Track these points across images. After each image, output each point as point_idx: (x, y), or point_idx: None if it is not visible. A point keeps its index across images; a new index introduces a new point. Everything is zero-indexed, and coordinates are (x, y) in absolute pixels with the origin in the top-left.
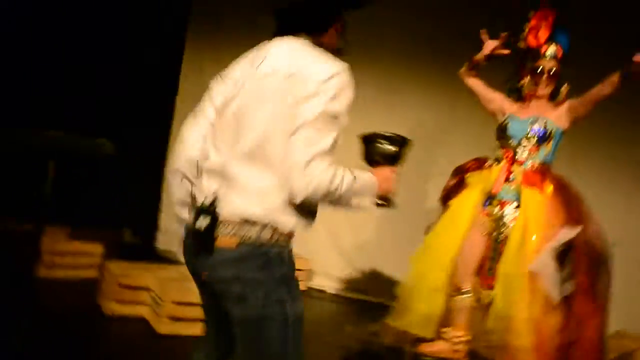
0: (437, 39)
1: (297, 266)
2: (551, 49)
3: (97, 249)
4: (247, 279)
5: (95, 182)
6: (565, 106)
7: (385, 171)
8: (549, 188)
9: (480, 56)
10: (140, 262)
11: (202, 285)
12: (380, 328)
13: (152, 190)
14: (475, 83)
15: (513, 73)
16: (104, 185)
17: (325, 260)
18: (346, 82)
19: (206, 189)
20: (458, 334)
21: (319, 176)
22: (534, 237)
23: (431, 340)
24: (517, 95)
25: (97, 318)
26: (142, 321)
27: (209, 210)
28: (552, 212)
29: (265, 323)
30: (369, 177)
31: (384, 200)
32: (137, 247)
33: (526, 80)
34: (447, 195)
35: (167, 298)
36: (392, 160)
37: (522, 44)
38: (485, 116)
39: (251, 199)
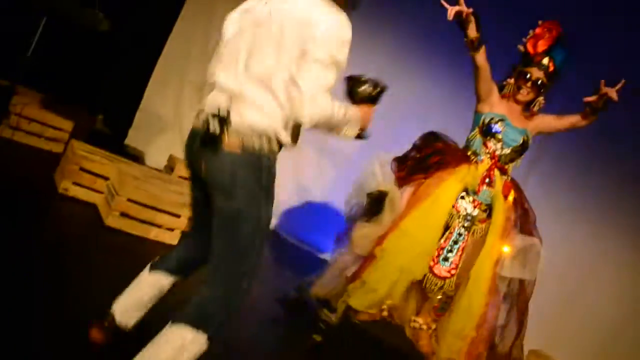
0: None
1: None
2: (544, 61)
3: (66, 125)
4: (239, 179)
5: (82, 57)
6: (536, 121)
7: (365, 109)
8: (512, 197)
9: (472, 34)
10: (106, 152)
11: (197, 180)
12: (315, 282)
13: (136, 85)
14: (483, 65)
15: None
16: (90, 63)
17: (287, 207)
18: (348, 34)
19: (217, 102)
20: (387, 302)
21: (324, 106)
22: (505, 249)
23: None
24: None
25: (49, 193)
26: (93, 209)
27: (223, 118)
28: (511, 219)
29: (242, 219)
30: (355, 112)
31: (362, 133)
32: (106, 137)
33: (511, 81)
34: (412, 173)
35: (123, 193)
36: (372, 100)
37: (520, 47)
38: None
39: (258, 113)
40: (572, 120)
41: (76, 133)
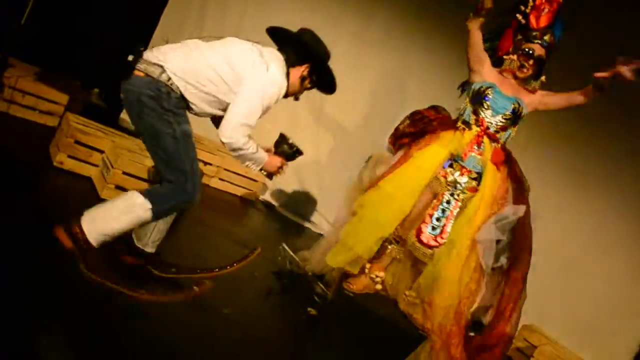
0: None
1: (253, 176)
2: (547, 37)
3: (61, 98)
4: (143, 101)
5: (77, 29)
6: (537, 96)
7: (276, 159)
8: (505, 167)
9: (488, 3)
10: (101, 125)
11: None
12: (310, 256)
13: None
14: (477, 36)
15: (495, 31)
16: (85, 35)
17: (283, 181)
18: (278, 94)
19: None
20: (380, 274)
21: (242, 137)
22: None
23: (353, 275)
24: (491, 53)
25: (44, 167)
26: (88, 181)
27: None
28: (502, 190)
29: (159, 135)
30: (263, 157)
31: (268, 175)
32: (102, 111)
33: (512, 57)
34: (400, 137)
35: (118, 166)
36: (286, 157)
37: (521, 18)
38: None
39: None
40: (572, 97)
41: (71, 106)
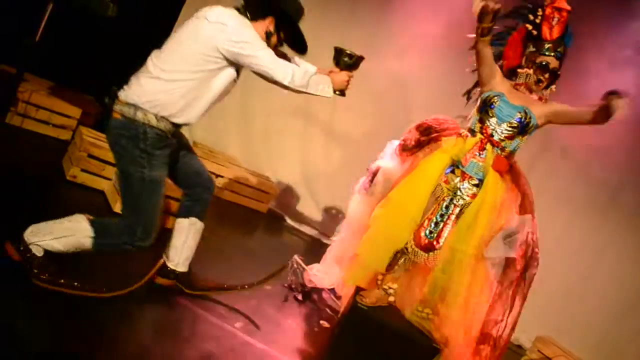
0: None
1: (265, 189)
2: (560, 49)
3: (75, 112)
4: (120, 143)
5: (90, 43)
6: (549, 108)
7: (342, 74)
8: (509, 177)
9: (487, 24)
10: None
11: None
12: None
13: None
14: (486, 54)
15: (499, 35)
16: (97, 49)
17: (294, 193)
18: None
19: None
20: (393, 286)
21: (289, 69)
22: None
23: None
24: (496, 59)
25: (57, 180)
26: (101, 195)
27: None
28: (507, 200)
29: (129, 175)
30: (326, 78)
31: (341, 92)
32: None
33: (528, 71)
34: (408, 147)
35: None
36: (349, 68)
37: (531, 29)
38: None
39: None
40: (587, 114)
41: (84, 120)
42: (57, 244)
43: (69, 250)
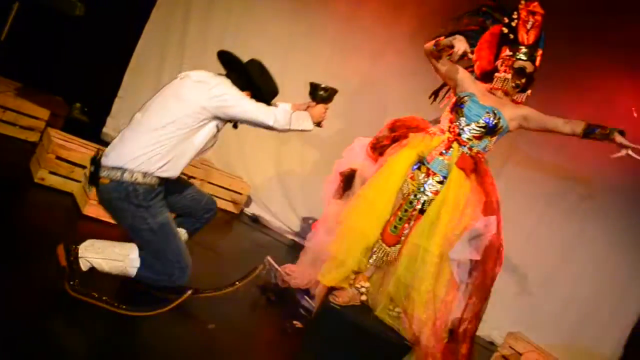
0: None
1: (237, 189)
2: (537, 53)
3: (42, 113)
4: (115, 205)
5: (58, 44)
6: (522, 112)
7: (319, 108)
8: (475, 176)
9: (455, 56)
10: (83, 140)
11: None
12: (295, 269)
13: (114, 72)
14: (445, 70)
15: (469, 33)
16: (66, 50)
17: (267, 194)
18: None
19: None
20: (366, 285)
21: (272, 115)
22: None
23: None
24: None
25: (25, 183)
26: (70, 198)
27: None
28: (472, 199)
29: (137, 231)
30: (305, 115)
31: (318, 124)
32: (84, 125)
33: (506, 75)
34: (380, 145)
35: None
36: (324, 101)
37: (505, 31)
38: None
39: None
40: (559, 124)
41: (52, 121)
42: (105, 265)
43: (111, 273)
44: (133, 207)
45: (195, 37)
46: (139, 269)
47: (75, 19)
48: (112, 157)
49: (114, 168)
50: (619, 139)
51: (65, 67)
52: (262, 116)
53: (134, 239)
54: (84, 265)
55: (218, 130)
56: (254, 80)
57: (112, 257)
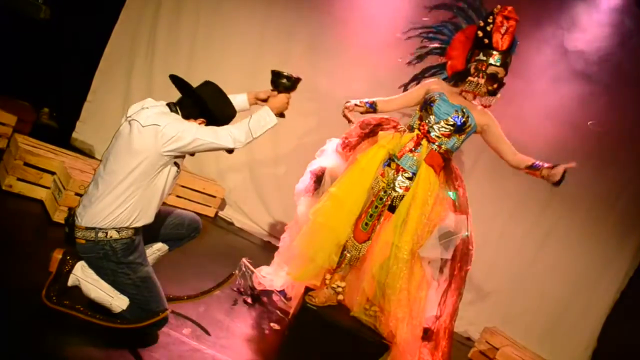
0: None
1: (211, 192)
2: (509, 59)
3: (9, 119)
4: (95, 264)
5: (24, 48)
6: (487, 120)
7: (281, 98)
8: (444, 174)
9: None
10: (51, 145)
11: None
12: (271, 270)
13: (83, 77)
14: (394, 107)
15: (440, 29)
16: (32, 54)
17: (242, 196)
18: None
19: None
20: (342, 284)
21: (229, 137)
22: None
23: (315, 288)
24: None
25: None
26: (39, 204)
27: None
28: (441, 197)
29: (121, 285)
30: (266, 112)
31: (281, 115)
32: (52, 130)
33: (479, 80)
34: (350, 143)
35: (70, 187)
36: (287, 90)
37: (484, 37)
38: None
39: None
40: (506, 151)
41: (20, 127)
42: (93, 292)
43: (94, 301)
44: (113, 264)
45: (165, 38)
46: (125, 311)
47: (40, 22)
48: (84, 218)
49: (87, 228)
50: (560, 169)
51: (32, 72)
52: (220, 141)
53: (121, 290)
54: (71, 281)
55: (178, 168)
56: (209, 107)
57: (104, 289)
